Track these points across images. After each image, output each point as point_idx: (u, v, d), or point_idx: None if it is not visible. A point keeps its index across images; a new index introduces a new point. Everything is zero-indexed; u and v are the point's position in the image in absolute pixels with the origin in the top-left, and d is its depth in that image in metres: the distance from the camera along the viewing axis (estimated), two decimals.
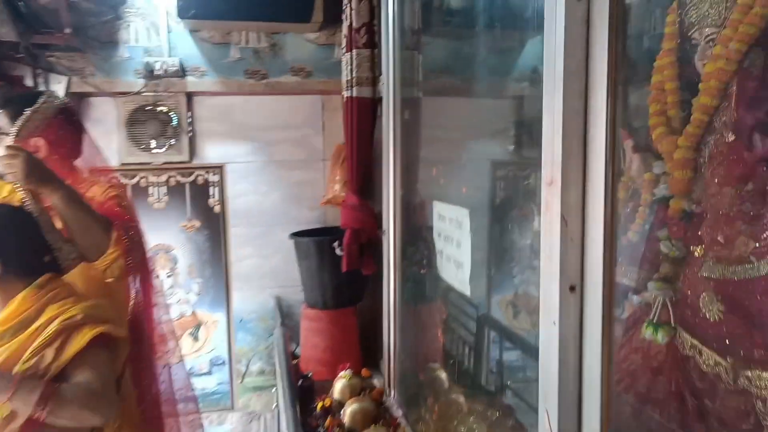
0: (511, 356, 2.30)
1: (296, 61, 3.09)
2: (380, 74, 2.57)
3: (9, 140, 1.58)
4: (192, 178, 3.17)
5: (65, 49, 2.65)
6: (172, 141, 3.07)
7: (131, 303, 1.87)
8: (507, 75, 2.33)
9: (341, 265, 2.75)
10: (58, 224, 1.53)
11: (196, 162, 3.15)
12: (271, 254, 3.27)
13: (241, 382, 3.33)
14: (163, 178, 3.14)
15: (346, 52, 2.57)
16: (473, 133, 2.49)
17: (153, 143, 3.06)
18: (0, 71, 2.71)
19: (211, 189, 3.20)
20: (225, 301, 3.28)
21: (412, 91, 2.55)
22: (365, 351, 3.09)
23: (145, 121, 3.01)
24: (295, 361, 3.10)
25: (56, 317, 1.32)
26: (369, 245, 2.72)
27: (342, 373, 2.67)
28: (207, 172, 3.19)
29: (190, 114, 3.09)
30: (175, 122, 3.04)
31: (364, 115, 2.60)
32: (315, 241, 2.88)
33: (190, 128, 3.10)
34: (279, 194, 3.26)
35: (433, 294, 2.66)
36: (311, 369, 2.92)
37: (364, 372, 2.89)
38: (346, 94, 2.63)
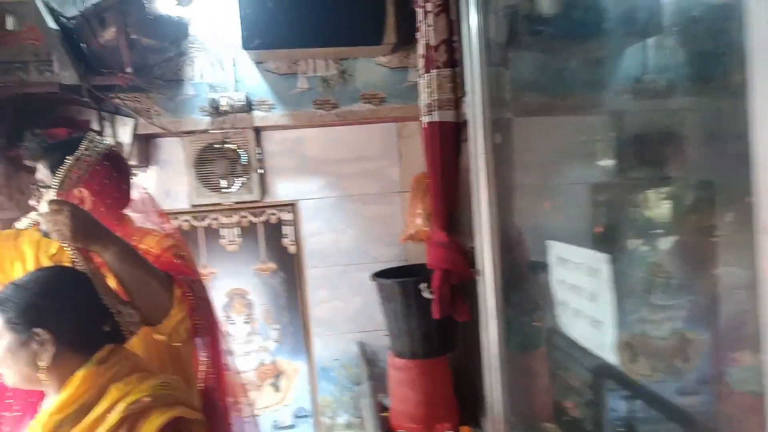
0: (635, 409, 1.94)
1: (368, 87, 2.84)
2: (463, 95, 2.27)
3: (51, 194, 1.41)
4: (264, 217, 2.98)
5: (129, 89, 2.54)
6: (242, 179, 2.90)
7: (202, 369, 1.66)
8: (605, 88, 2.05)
9: (430, 310, 2.44)
10: (113, 284, 1.32)
11: (267, 200, 2.96)
12: (351, 296, 3.02)
13: None
14: (235, 218, 2.97)
15: (424, 73, 2.30)
16: (570, 154, 2.18)
17: (223, 182, 2.90)
18: (66, 116, 2.64)
19: (284, 228, 3.00)
20: (305, 348, 3.05)
21: (501, 112, 2.24)
22: (462, 405, 2.74)
23: (213, 160, 2.85)
24: (384, 413, 2.81)
25: (120, 400, 1.11)
26: (462, 287, 2.40)
27: None
28: (279, 210, 2.99)
29: (259, 150, 2.91)
30: (244, 159, 2.87)
31: (447, 141, 2.30)
32: (399, 283, 2.58)
33: (260, 165, 2.91)
34: (356, 231, 3.01)
35: (538, 340, 2.31)
36: (404, 425, 2.62)
37: (465, 430, 2.55)
38: (426, 119, 2.34)
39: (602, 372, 2.00)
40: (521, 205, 2.19)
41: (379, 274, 2.75)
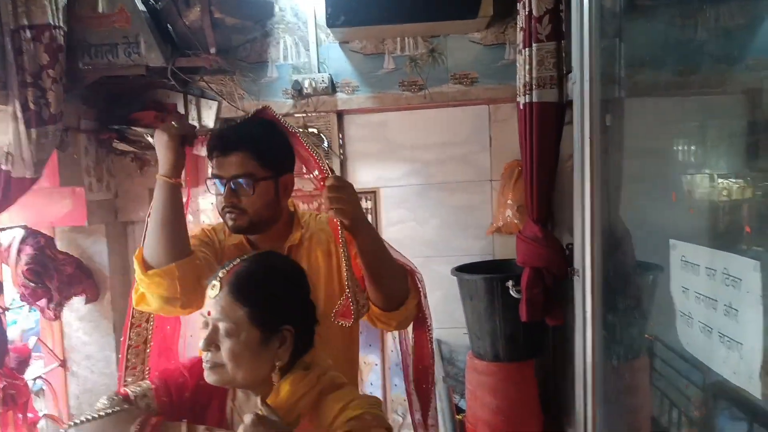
0: None
1: (459, 66, 2.65)
2: (568, 72, 2.03)
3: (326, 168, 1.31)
4: None
5: (214, 72, 2.50)
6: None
7: (411, 358, 1.66)
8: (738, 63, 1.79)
9: (519, 311, 2.23)
10: None
11: None
12: (431, 290, 2.78)
13: None
14: (314, 206, 2.88)
15: (524, 47, 2.08)
16: (694, 139, 1.90)
17: (303, 168, 2.81)
18: (154, 100, 2.64)
19: None
20: (380, 342, 2.91)
21: (612, 91, 1.98)
22: (546, 414, 2.52)
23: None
24: (459, 417, 2.64)
25: (340, 414, 0.99)
26: (555, 288, 2.17)
27: None
28: (360, 198, 2.87)
29: (340, 135, 2.80)
30: (326, 144, 2.77)
31: (547, 124, 2.08)
32: (484, 279, 2.39)
33: (341, 150, 2.80)
34: (439, 221, 2.83)
35: (639, 350, 2.05)
36: (480, 431, 2.44)
37: None
38: (522, 100, 2.13)
39: (715, 391, 1.73)
40: (632, 198, 1.93)
41: (462, 269, 2.57)
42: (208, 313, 0.99)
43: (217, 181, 1.28)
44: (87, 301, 2.72)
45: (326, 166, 1.30)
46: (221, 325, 0.97)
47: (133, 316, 1.36)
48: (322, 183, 1.26)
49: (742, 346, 1.06)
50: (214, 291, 0.99)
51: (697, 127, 1.97)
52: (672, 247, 1.36)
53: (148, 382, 1.10)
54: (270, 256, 1.14)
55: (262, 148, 1.28)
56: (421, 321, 1.54)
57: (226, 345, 0.98)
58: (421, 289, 1.47)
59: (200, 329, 1.01)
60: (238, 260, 1.03)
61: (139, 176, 2.74)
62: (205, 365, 1.00)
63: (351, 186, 1.26)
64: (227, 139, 1.28)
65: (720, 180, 1.75)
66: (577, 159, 1.96)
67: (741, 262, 1.06)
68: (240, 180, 1.26)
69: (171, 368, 1.14)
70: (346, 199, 1.21)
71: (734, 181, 1.68)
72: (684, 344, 1.32)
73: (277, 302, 1.01)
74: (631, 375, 2.08)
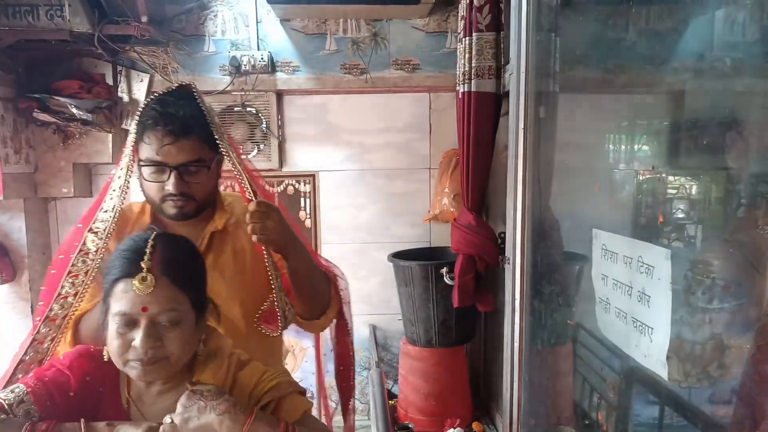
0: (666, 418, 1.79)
1: (401, 52, 2.64)
2: (506, 63, 2.06)
3: (249, 194, 1.20)
4: (282, 187, 2.81)
5: (146, 42, 2.38)
6: (261, 146, 2.73)
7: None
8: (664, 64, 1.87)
9: (451, 298, 2.27)
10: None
11: (286, 170, 2.80)
12: (367, 276, 2.85)
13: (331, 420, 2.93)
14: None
15: (464, 36, 2.09)
16: (621, 136, 1.97)
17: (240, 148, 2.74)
18: (80, 69, 2.49)
19: (302, 200, 2.83)
20: None
21: (547, 84, 2.02)
22: (476, 399, 2.58)
23: (232, 123, 2.69)
24: (392, 402, 2.66)
25: (258, 384, 1.01)
26: (487, 275, 2.21)
27: (451, 431, 2.18)
28: (298, 181, 2.82)
29: (279, 115, 2.74)
30: (264, 125, 2.70)
31: (484, 114, 2.10)
32: (419, 266, 2.41)
33: (280, 131, 2.74)
34: (377, 207, 2.82)
35: (564, 336, 2.12)
36: (411, 416, 2.48)
37: (476, 426, 2.39)
38: (461, 89, 2.14)
39: (631, 375, 1.82)
40: (561, 190, 1.98)
41: (399, 255, 2.58)
42: (143, 309, 0.91)
43: (156, 167, 1.16)
44: (2, 281, 2.56)
45: (250, 187, 1.21)
46: (163, 318, 0.92)
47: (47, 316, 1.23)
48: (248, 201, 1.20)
49: (653, 331, 1.11)
50: (146, 284, 0.91)
51: (624, 125, 2.05)
52: (594, 236, 1.41)
53: (21, 386, 0.97)
54: (172, 237, 1.06)
55: (208, 129, 1.18)
56: (342, 325, 1.54)
57: (171, 336, 0.92)
58: (343, 297, 1.45)
59: (123, 329, 0.92)
60: (147, 244, 0.95)
61: (61, 149, 2.58)
62: (135, 364, 0.92)
63: (276, 210, 1.18)
64: (175, 123, 1.14)
65: (642, 175, 1.83)
66: (511, 149, 2.00)
67: (654, 250, 1.12)
68: (191, 167, 1.16)
69: (45, 368, 1.02)
70: (271, 226, 1.15)
71: (656, 176, 1.76)
72: (601, 329, 1.37)
73: (203, 279, 1.00)
74: (555, 360, 2.15)
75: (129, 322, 0.91)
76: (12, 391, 0.95)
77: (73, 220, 2.75)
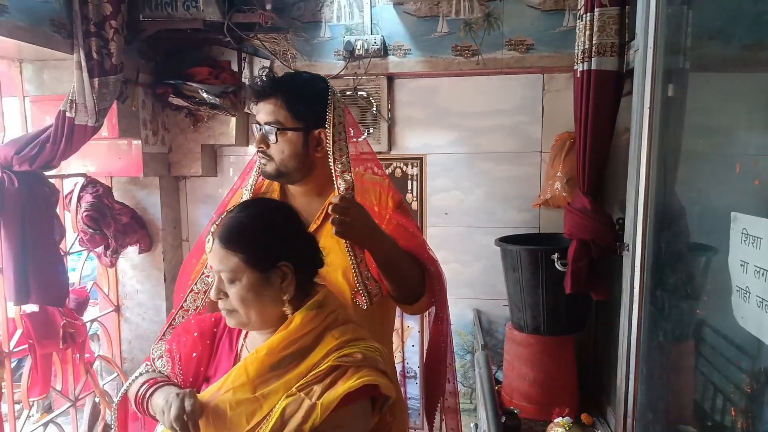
0: None
1: (515, 32, 2.58)
2: (631, 40, 1.95)
3: (340, 183, 1.27)
4: (390, 170, 2.87)
5: (268, 29, 2.51)
6: (371, 129, 2.80)
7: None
8: None
9: (562, 284, 2.20)
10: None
11: (394, 153, 2.85)
12: (472, 260, 2.84)
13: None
14: (360, 168, 2.89)
15: (585, 12, 2.00)
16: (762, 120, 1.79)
17: (351, 131, 2.82)
18: (209, 56, 2.68)
19: (409, 183, 2.87)
20: None
21: (677, 62, 1.89)
22: (583, 390, 2.50)
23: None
24: (496, 387, 2.65)
25: (335, 349, 1.05)
26: (602, 262, 2.12)
27: (559, 420, 2.14)
28: (406, 164, 2.86)
29: (390, 99, 2.78)
30: (374, 108, 2.76)
31: (604, 94, 2.01)
32: (529, 251, 2.36)
33: (390, 114, 2.79)
34: (484, 191, 2.80)
35: (686, 330, 1.99)
36: (516, 402, 2.45)
37: (585, 418, 2.32)
38: (580, 67, 2.06)
39: (766, 378, 1.67)
40: (689, 175, 1.85)
41: (506, 240, 2.55)
42: (211, 267, 1.07)
43: (255, 125, 1.31)
44: (140, 251, 2.84)
45: (338, 183, 1.27)
46: (223, 275, 1.04)
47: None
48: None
49: None
50: (209, 245, 1.06)
51: (765, 107, 1.86)
52: (733, 219, 1.30)
53: (164, 345, 1.19)
54: (255, 201, 1.23)
55: (295, 99, 1.27)
56: (438, 317, 1.52)
57: (231, 291, 1.04)
58: (439, 289, 1.44)
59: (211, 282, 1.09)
60: (226, 213, 1.09)
61: (191, 132, 2.81)
62: (223, 312, 1.09)
63: (357, 207, 1.22)
64: (264, 85, 1.28)
65: None
66: (634, 131, 1.90)
67: None
68: (268, 127, 1.27)
69: (181, 332, 1.20)
70: (349, 222, 1.19)
71: None
72: (738, 319, 1.28)
73: (266, 242, 1.06)
74: (675, 355, 2.03)
75: (212, 276, 1.08)
76: (159, 348, 1.19)
77: (200, 199, 3.00)
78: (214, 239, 1.05)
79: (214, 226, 1.07)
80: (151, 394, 1.08)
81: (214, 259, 1.05)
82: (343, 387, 0.99)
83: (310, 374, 1.01)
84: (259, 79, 1.30)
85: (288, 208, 1.17)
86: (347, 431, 1.02)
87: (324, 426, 0.97)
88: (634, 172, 1.92)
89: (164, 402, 1.01)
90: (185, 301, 1.31)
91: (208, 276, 1.30)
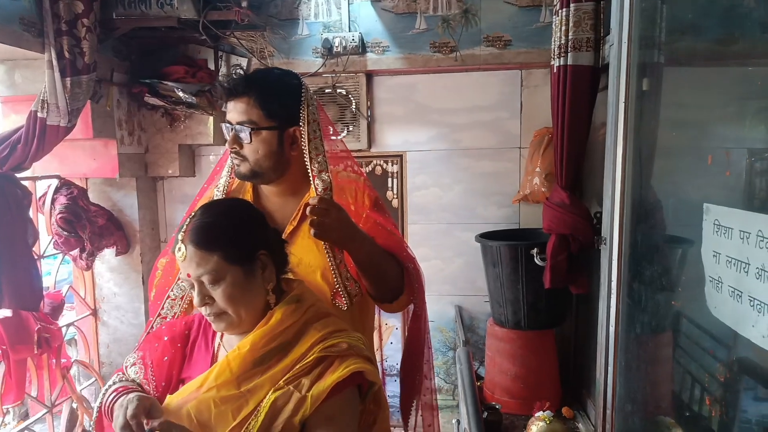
0: None
1: (492, 28, 2.59)
2: (606, 35, 1.97)
3: (318, 184, 1.24)
4: (370, 168, 2.86)
5: (244, 27, 2.49)
6: (350, 127, 2.79)
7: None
8: None
9: (542, 279, 2.22)
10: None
11: (374, 150, 2.84)
12: (453, 257, 2.84)
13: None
14: (340, 167, 2.87)
15: (561, 7, 2.02)
16: (735, 114, 1.82)
17: (330, 129, 2.81)
18: (185, 55, 2.65)
19: (389, 180, 2.87)
20: None
21: (651, 56, 1.91)
22: (565, 383, 2.52)
23: (323, 105, 2.76)
24: (478, 383, 2.65)
25: (319, 341, 1.05)
26: (581, 256, 2.14)
27: (540, 414, 2.15)
28: (386, 161, 2.86)
29: (369, 96, 2.78)
30: (353, 106, 2.75)
31: (580, 89, 2.02)
32: (509, 246, 2.37)
33: (369, 112, 2.79)
34: (464, 188, 2.81)
35: (663, 322, 2.02)
36: (498, 397, 2.46)
37: (566, 411, 2.34)
38: (556, 63, 2.07)
39: (742, 367, 1.70)
40: (665, 168, 1.87)
41: (486, 236, 2.56)
42: (188, 275, 1.03)
43: (225, 125, 1.27)
44: (117, 253, 2.79)
45: (316, 183, 1.25)
46: (205, 279, 1.02)
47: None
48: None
49: None
50: (180, 254, 1.03)
51: (738, 100, 1.88)
52: (705, 211, 1.32)
53: (137, 353, 1.16)
54: (214, 203, 1.23)
55: (268, 97, 1.24)
56: (416, 315, 1.50)
57: (217, 293, 1.02)
58: (418, 287, 1.42)
59: (191, 292, 1.06)
60: (188, 220, 1.07)
61: (168, 131, 2.77)
62: (209, 319, 1.07)
63: (337, 209, 1.20)
64: (236, 84, 1.24)
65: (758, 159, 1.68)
66: (610, 124, 1.92)
67: None
68: (241, 126, 1.23)
69: (153, 339, 1.18)
70: (328, 224, 1.18)
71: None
72: (711, 309, 1.29)
73: (241, 235, 1.05)
74: (654, 347, 2.06)
75: (189, 286, 1.06)
76: (132, 356, 1.16)
77: (178, 199, 2.96)
78: (186, 246, 1.02)
79: (181, 233, 1.04)
80: (114, 402, 1.06)
81: (190, 266, 1.02)
82: (331, 378, 1.00)
83: (297, 366, 1.01)
84: (230, 77, 1.26)
85: (247, 202, 1.18)
86: (339, 420, 1.02)
87: (315, 417, 0.98)
88: (610, 166, 1.93)
89: (117, 409, 0.99)
90: (162, 308, 1.29)
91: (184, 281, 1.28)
